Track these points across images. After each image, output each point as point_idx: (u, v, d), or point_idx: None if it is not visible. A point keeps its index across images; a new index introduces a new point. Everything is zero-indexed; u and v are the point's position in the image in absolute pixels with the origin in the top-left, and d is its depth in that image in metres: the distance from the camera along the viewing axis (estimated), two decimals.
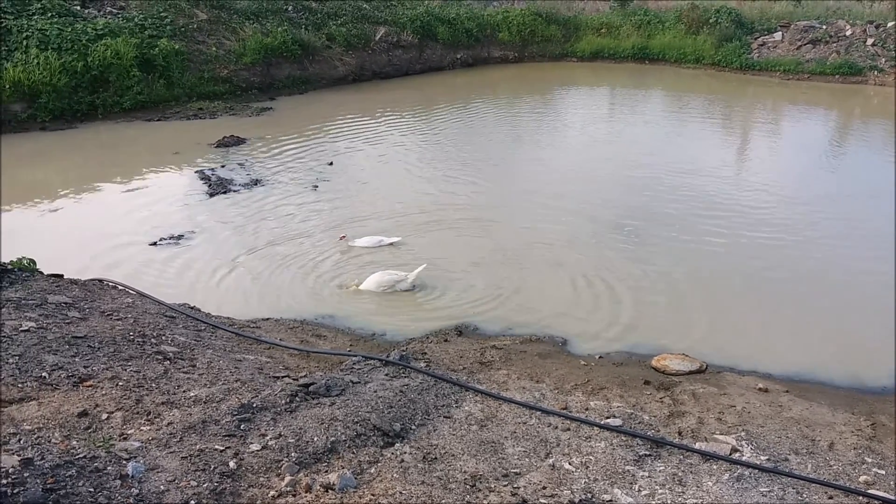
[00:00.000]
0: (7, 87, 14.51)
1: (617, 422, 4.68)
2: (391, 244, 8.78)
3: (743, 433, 4.68)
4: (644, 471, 4.07)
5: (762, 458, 4.34)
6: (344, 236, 8.85)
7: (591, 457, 4.19)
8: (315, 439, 3.89)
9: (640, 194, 10.97)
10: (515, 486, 3.79)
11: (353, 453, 3.87)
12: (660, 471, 4.09)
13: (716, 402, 5.19)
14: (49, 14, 16.31)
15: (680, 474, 4.07)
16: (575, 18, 27.54)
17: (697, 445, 4.42)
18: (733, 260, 8.54)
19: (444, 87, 21.85)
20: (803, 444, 4.58)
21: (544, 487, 3.80)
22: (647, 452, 4.28)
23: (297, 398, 4.42)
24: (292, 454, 3.72)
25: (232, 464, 3.53)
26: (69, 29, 16.08)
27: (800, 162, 13.59)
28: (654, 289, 7.76)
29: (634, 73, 24.54)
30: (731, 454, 4.32)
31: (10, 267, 6.09)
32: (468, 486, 3.71)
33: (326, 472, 3.63)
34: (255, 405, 4.19)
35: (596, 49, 26.42)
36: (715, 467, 4.17)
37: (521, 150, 14.23)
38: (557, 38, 26.81)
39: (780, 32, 24.15)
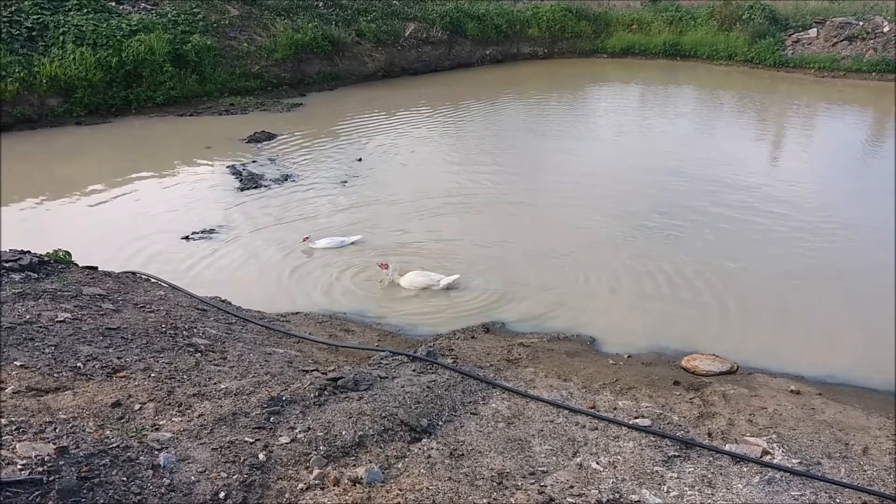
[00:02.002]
0: (44, 81, 14.79)
1: (646, 422, 4.65)
2: (353, 243, 8.72)
3: (774, 436, 4.61)
4: (673, 472, 4.04)
5: (794, 461, 4.28)
6: (307, 238, 8.65)
7: (619, 457, 4.16)
8: (343, 433, 3.92)
9: (670, 192, 10.86)
10: (542, 484, 3.78)
11: (381, 448, 3.89)
12: (689, 472, 4.05)
13: (746, 404, 5.12)
14: (85, 10, 16.58)
15: (709, 476, 4.03)
16: (605, 14, 27.31)
17: (727, 447, 4.37)
18: (766, 260, 8.42)
19: (472, 84, 21.80)
20: (836, 448, 4.50)
21: (571, 486, 3.79)
22: (676, 453, 4.24)
23: (326, 392, 4.45)
24: (321, 447, 3.75)
25: (261, 456, 3.57)
26: (104, 25, 16.33)
27: (835, 161, 13.35)
28: (684, 288, 7.68)
29: (666, 69, 24.27)
30: (761, 457, 4.27)
31: (46, 259, 6.21)
32: (495, 484, 3.71)
33: (354, 465, 3.66)
34: (284, 398, 4.23)
35: (626, 45, 26.17)
36: (745, 469, 4.12)
37: (550, 146, 14.15)
38: (587, 34, 26.61)
39: (815, 29, 23.71)
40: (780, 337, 6.72)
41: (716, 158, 12.91)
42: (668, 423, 4.71)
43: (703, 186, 11.14)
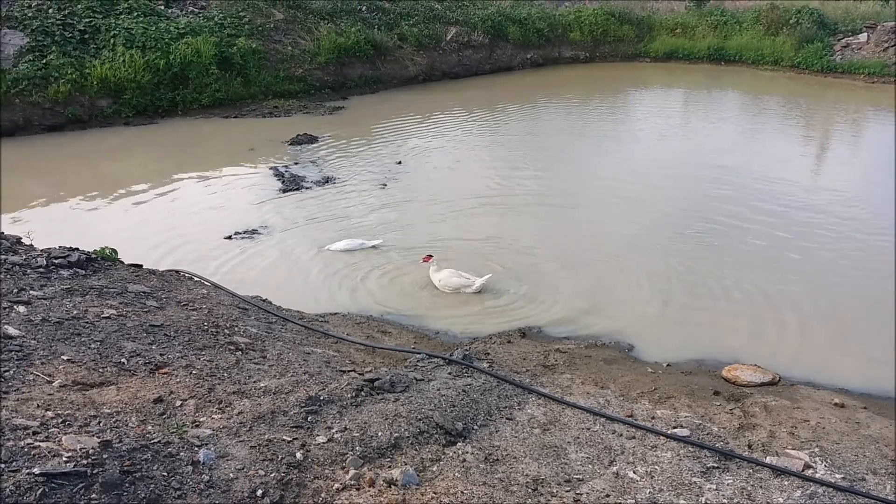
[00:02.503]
0: (95, 83, 15.18)
1: (684, 432, 4.58)
2: (373, 247, 8.73)
3: (817, 449, 4.51)
4: (711, 483, 3.97)
5: (837, 476, 4.18)
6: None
7: (656, 466, 4.11)
8: (379, 434, 3.94)
9: (712, 197, 10.70)
10: (578, 492, 3.75)
11: (416, 450, 3.90)
12: (728, 484, 3.99)
13: (788, 416, 5.02)
14: (135, 13, 16.96)
15: (749, 489, 3.95)
16: (649, 18, 27.01)
17: (768, 459, 4.29)
18: (809, 269, 8.24)
19: (513, 87, 21.77)
20: (882, 464, 4.38)
21: (608, 495, 3.75)
22: (715, 465, 4.17)
23: (363, 393, 4.48)
24: (357, 448, 3.78)
25: (299, 455, 3.61)
26: (153, 28, 16.69)
27: (883, 170, 12.98)
28: (725, 296, 7.56)
29: (710, 74, 23.91)
30: (803, 470, 4.17)
31: (94, 256, 6.37)
32: (530, 490, 3.70)
33: (390, 467, 3.68)
34: (322, 398, 4.27)
35: (670, 49, 25.84)
36: (786, 483, 4.03)
37: (589, 150, 14.06)
38: (630, 37, 26.36)
39: (866, 34, 23.09)
40: (824, 348, 6.58)
41: (760, 164, 12.67)
42: (708, 434, 4.64)
43: (747, 193, 10.95)
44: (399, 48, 21.53)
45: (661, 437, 4.48)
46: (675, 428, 4.66)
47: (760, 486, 3.98)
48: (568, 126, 16.38)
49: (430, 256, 7.73)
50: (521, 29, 24.59)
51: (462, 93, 20.58)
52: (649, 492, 3.83)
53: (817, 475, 4.15)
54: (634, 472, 4.02)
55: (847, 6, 25.30)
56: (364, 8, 21.94)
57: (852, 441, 4.68)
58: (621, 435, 4.50)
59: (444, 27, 23.08)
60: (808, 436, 4.71)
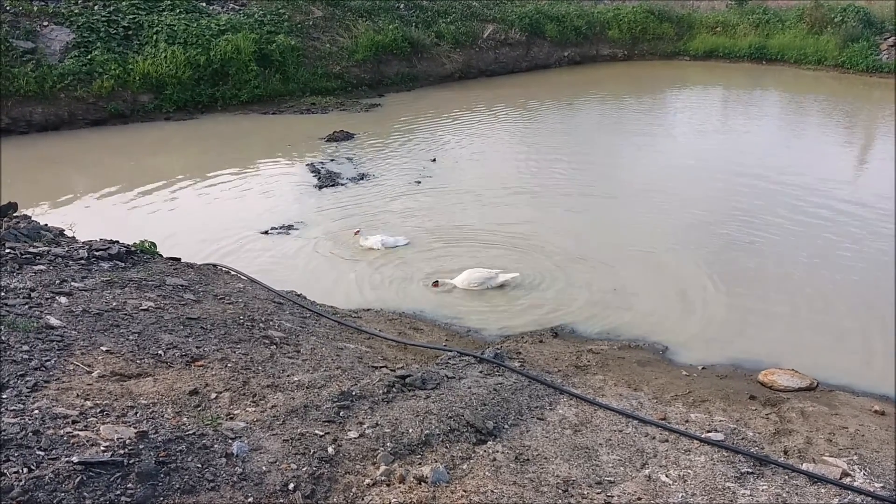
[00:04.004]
0: (137, 79, 15.49)
1: (719, 436, 4.51)
2: (405, 245, 8.75)
3: (855, 457, 4.40)
4: (746, 489, 3.91)
5: (876, 485, 4.07)
6: (358, 231, 8.84)
7: (689, 471, 4.06)
8: (410, 431, 3.95)
9: (752, 198, 10.50)
10: (609, 494, 3.72)
11: (447, 448, 3.91)
12: (762, 490, 3.91)
13: (826, 423, 4.91)
14: (178, 10, 17.25)
15: (784, 495, 3.88)
16: (689, 16, 26.65)
17: (804, 466, 4.20)
18: (849, 273, 8.05)
19: (550, 85, 21.64)
20: None
21: (639, 498, 3.71)
22: (750, 470, 4.10)
23: (394, 389, 4.50)
24: (387, 444, 3.79)
25: (330, 449, 3.63)
26: (195, 24, 16.96)
27: None
28: (763, 299, 7.42)
29: (751, 73, 23.50)
30: (841, 478, 4.08)
31: (133, 248, 6.50)
32: (560, 491, 3.68)
33: (420, 464, 3.69)
34: (354, 393, 4.30)
35: (710, 48, 25.46)
36: (823, 491, 3.95)
37: (626, 148, 13.93)
38: (670, 35, 26.03)
39: None
40: (863, 354, 6.42)
41: (801, 164, 12.44)
42: (743, 439, 4.56)
43: (787, 193, 10.73)
44: (436, 46, 21.56)
45: (695, 441, 4.41)
46: (709, 432, 4.59)
47: (796, 494, 3.91)
48: (605, 124, 16.24)
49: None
50: (559, 27, 24.43)
51: (498, 90, 20.53)
52: (682, 496, 3.78)
53: (856, 483, 4.06)
54: (667, 476, 3.98)
55: (894, 4, 24.64)
56: (402, 5, 22.02)
57: (893, 450, 4.57)
58: (654, 438, 4.44)
59: (481, 25, 23.05)
60: (847, 443, 4.61)
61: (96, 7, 16.20)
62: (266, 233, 9.20)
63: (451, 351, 5.62)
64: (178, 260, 6.75)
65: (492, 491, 3.52)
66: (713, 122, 16.50)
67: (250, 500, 3.13)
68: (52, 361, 3.88)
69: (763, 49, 24.62)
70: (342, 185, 11.28)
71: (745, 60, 24.80)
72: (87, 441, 3.13)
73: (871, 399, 5.57)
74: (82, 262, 5.79)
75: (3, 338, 3.93)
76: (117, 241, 6.50)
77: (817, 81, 22.06)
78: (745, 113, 17.56)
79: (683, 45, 25.98)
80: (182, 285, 5.86)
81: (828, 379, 5.94)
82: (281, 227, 9.38)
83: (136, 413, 3.53)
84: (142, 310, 5.00)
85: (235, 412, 3.84)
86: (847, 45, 22.78)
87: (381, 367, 5.07)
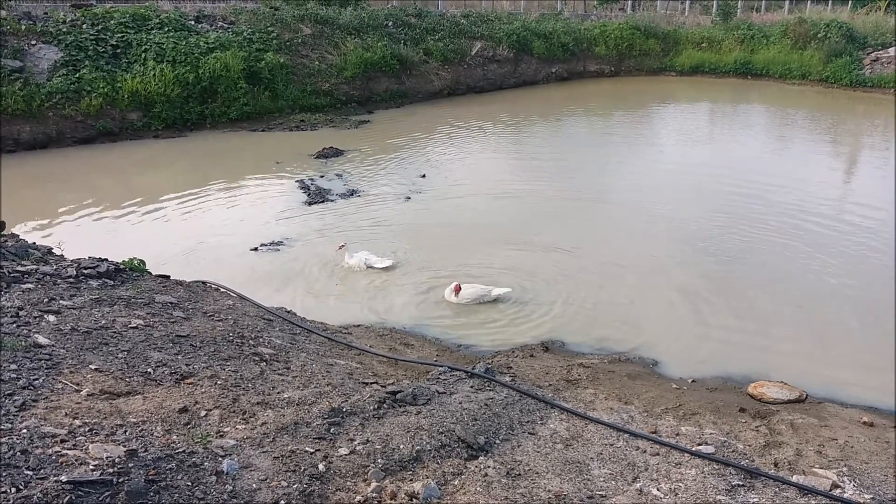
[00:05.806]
0: (126, 96, 15.49)
1: (709, 449, 4.53)
2: (388, 265, 8.53)
3: (845, 468, 4.42)
4: (736, 501, 3.91)
5: (866, 496, 4.09)
6: (343, 245, 8.69)
7: (680, 484, 4.06)
8: (401, 447, 3.94)
9: (740, 213, 10.59)
10: None
11: (438, 463, 3.90)
12: (753, 502, 3.92)
13: (815, 434, 4.94)
14: (166, 28, 17.29)
15: None
16: (675, 32, 26.99)
17: (794, 478, 4.21)
18: (838, 286, 8.12)
19: (538, 101, 21.81)
20: None
21: None
22: (741, 482, 4.11)
23: (385, 405, 4.49)
24: (378, 460, 3.78)
25: (321, 466, 3.62)
26: (183, 42, 17.00)
27: None
28: (751, 313, 7.47)
29: (736, 88, 23.78)
30: (830, 490, 4.09)
31: (122, 266, 6.47)
32: None
33: (411, 480, 3.67)
34: (344, 410, 4.29)
35: (696, 63, 25.78)
36: (813, 502, 3.96)
37: (612, 162, 14.02)
38: (656, 51, 26.35)
39: (895, 47, 22.87)
40: (852, 366, 6.46)
41: (787, 179, 12.55)
42: (733, 451, 4.57)
43: (774, 209, 10.83)
44: (424, 63, 21.71)
45: (686, 454, 4.42)
46: (699, 445, 4.61)
47: None
48: (593, 141, 16.34)
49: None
50: (546, 43, 24.68)
51: (487, 107, 20.66)
52: None
53: (845, 495, 4.07)
54: (658, 489, 3.98)
55: (877, 20, 25.05)
56: (390, 23, 22.17)
57: (882, 461, 4.59)
58: (645, 451, 4.45)
59: (469, 42, 23.24)
60: (836, 455, 4.63)
61: (84, 26, 16.21)
62: (256, 249, 9.18)
63: (441, 366, 5.61)
64: (168, 277, 6.73)
65: None
66: (700, 137, 16.67)
67: None
68: (41, 380, 3.85)
69: (748, 64, 24.96)
70: (332, 201, 11.28)
71: (730, 75, 25.14)
72: (76, 460, 3.11)
73: (859, 410, 5.60)
74: (71, 280, 5.76)
75: None
76: (106, 259, 6.47)
77: (802, 96, 22.36)
78: (731, 128, 17.74)
79: (670, 61, 26.30)
80: (171, 303, 5.83)
81: (817, 391, 5.97)
82: (270, 244, 9.36)
83: (126, 431, 3.50)
84: (131, 328, 4.98)
85: (225, 430, 3.82)
86: (831, 60, 23.12)
87: (371, 383, 5.05)
